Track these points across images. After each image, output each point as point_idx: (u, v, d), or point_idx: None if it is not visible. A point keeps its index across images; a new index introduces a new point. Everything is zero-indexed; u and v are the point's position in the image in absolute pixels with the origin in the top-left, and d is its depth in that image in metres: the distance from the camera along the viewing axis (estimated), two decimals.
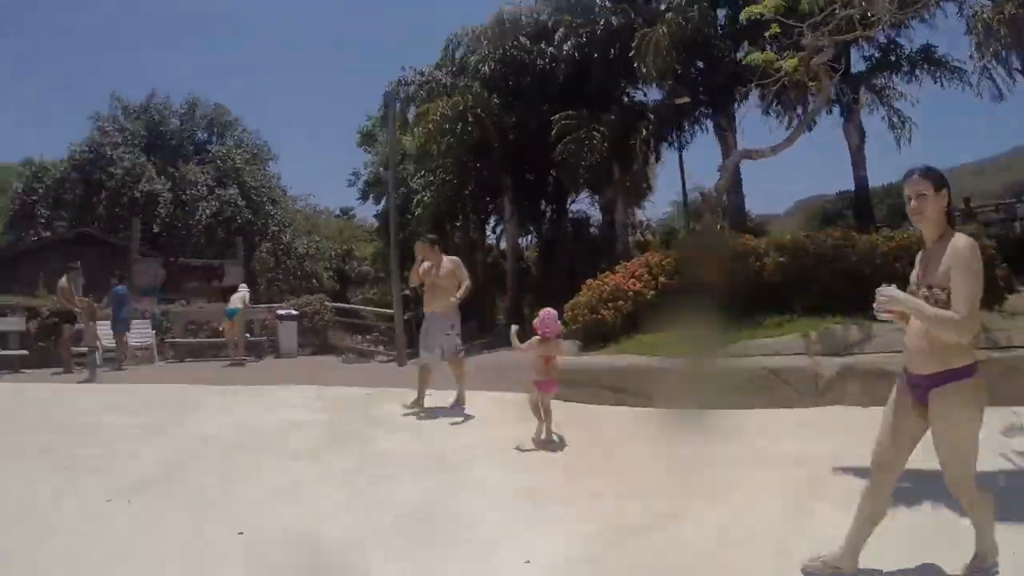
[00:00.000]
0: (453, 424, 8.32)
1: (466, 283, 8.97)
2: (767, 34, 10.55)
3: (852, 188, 22.54)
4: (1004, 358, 8.10)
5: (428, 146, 21.63)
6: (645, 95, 21.29)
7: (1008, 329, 8.73)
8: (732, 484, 5.49)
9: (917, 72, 19.50)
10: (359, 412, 8.99)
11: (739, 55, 18.18)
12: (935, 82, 19.33)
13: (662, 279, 11.01)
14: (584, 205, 26.95)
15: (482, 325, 24.87)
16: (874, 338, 9.08)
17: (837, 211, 36.63)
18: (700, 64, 19.28)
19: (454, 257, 9.14)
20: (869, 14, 9.95)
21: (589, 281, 11.76)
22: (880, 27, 10.51)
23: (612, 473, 6.05)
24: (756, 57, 10.61)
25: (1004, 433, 7.10)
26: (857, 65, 20.32)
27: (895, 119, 19.85)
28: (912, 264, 9.65)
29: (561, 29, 20.70)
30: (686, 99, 18.26)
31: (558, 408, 7.92)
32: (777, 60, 10.41)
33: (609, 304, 10.95)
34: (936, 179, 3.37)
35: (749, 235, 11.84)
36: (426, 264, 8.94)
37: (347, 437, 7.58)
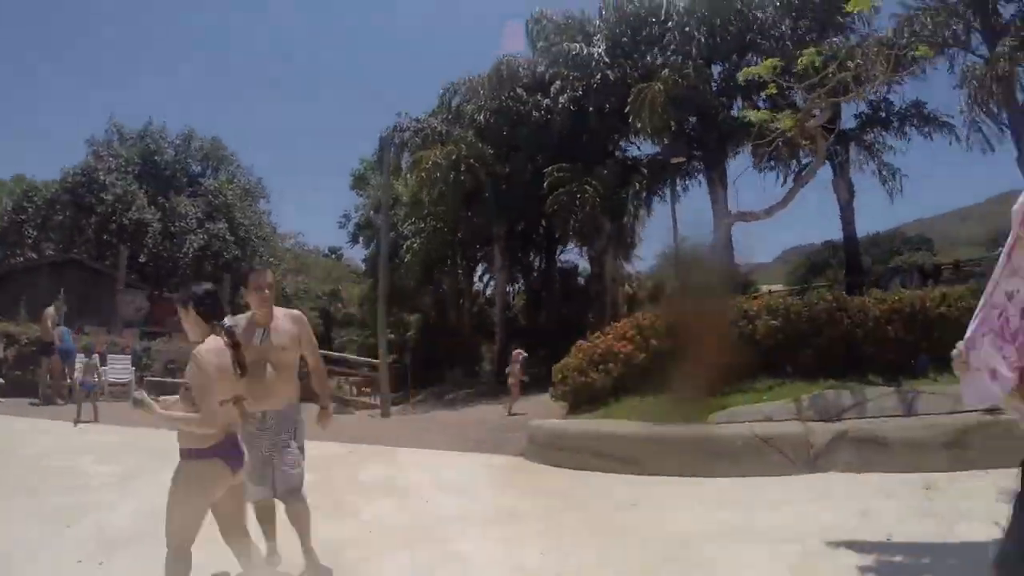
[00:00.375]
0: (438, 490, 8.06)
1: (315, 359, 5.18)
2: (764, 94, 10.69)
3: (838, 238, 22.82)
4: (999, 421, 7.98)
5: (421, 194, 21.62)
6: (639, 148, 21.53)
7: None
8: (725, 562, 5.28)
9: (907, 128, 20.10)
10: (342, 473, 8.67)
11: (733, 111, 18.38)
12: (924, 137, 19.85)
13: (653, 342, 10.85)
14: (573, 255, 27.05)
15: (468, 373, 24.63)
16: (868, 402, 8.99)
17: (824, 260, 36.89)
18: (693, 119, 19.43)
19: (296, 312, 5.10)
20: (862, 76, 10.09)
21: (580, 343, 11.65)
22: (874, 87, 10.60)
23: (600, 548, 5.82)
24: (752, 116, 10.68)
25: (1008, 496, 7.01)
26: (848, 122, 20.76)
27: (885, 172, 20.46)
28: (904, 327, 9.65)
29: (557, 82, 20.92)
30: (682, 159, 18.40)
31: (544, 474, 8.30)
32: (772, 119, 10.50)
33: (599, 367, 10.79)
34: (182, 300, 3.81)
35: (742, 297, 11.77)
36: (240, 322, 4.70)
37: (330, 503, 7.29)
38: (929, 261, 30.11)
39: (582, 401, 10.89)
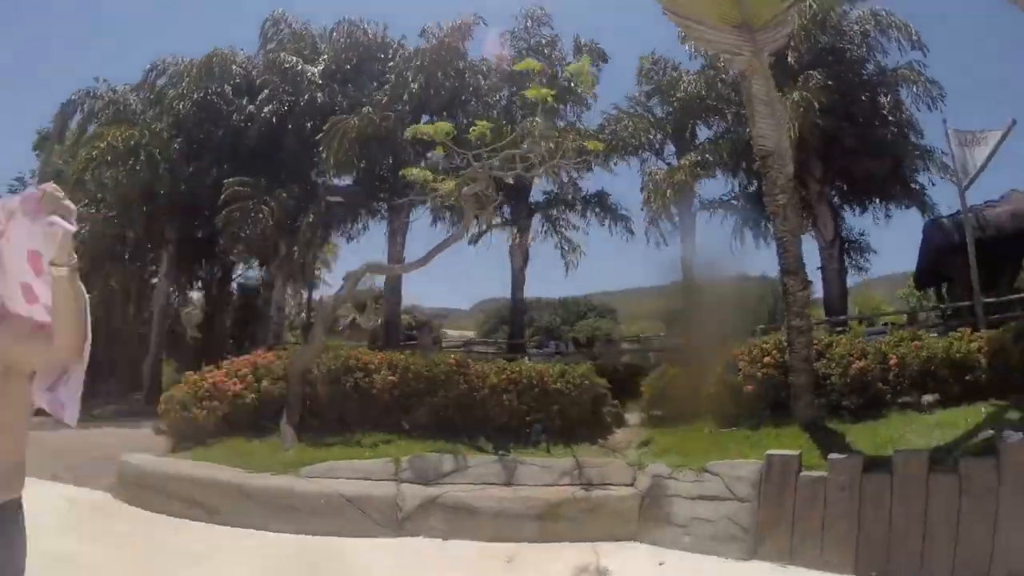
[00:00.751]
0: None
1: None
2: (429, 155, 10.77)
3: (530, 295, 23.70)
4: (590, 496, 8.41)
5: (85, 174, 19.16)
6: (330, 179, 20.67)
7: (604, 466, 9.15)
8: None
9: (588, 212, 21.72)
10: None
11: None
12: (602, 224, 21.65)
13: (265, 383, 10.32)
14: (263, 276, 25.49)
15: (135, 387, 21.92)
16: (469, 468, 9.04)
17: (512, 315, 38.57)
18: (389, 161, 19.18)
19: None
20: (533, 158, 10.50)
21: (189, 374, 11.04)
22: (539, 173, 11.07)
23: None
24: (415, 174, 10.67)
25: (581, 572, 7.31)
26: (536, 195, 22.03)
27: (566, 247, 21.85)
28: (519, 397, 9.93)
29: (266, 91, 19.72)
30: (339, 199, 18.16)
31: (121, 515, 8.10)
32: (435, 180, 10.56)
33: (203, 403, 10.05)
34: None
35: (365, 349, 11.65)
36: None
37: None
38: (587, 333, 32.62)
39: (187, 437, 10.05)
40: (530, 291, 23.36)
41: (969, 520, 6.40)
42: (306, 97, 19.59)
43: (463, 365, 10.48)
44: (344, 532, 7.96)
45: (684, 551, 7.62)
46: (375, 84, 20.34)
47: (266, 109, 19.48)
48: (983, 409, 8.26)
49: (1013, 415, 7.96)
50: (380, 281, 21.79)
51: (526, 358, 17.08)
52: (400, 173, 12.54)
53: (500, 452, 9.52)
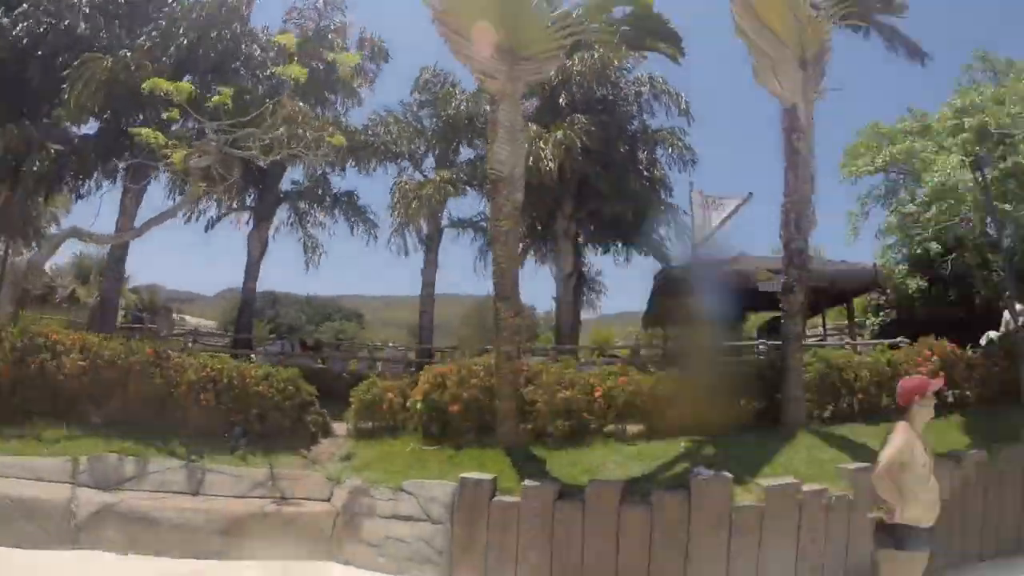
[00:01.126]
0: None
1: None
2: (165, 116, 10.05)
3: (280, 289, 22.47)
4: (282, 511, 8.08)
5: None
6: (68, 123, 18.03)
7: (301, 478, 8.83)
8: None
9: (336, 211, 21.53)
10: None
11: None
12: (348, 224, 21.57)
13: None
14: None
15: None
16: (151, 475, 8.40)
17: (260, 307, 36.81)
18: (140, 118, 17.06)
19: None
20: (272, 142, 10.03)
21: None
22: (274, 157, 10.62)
23: None
24: (145, 133, 9.77)
25: None
26: (287, 185, 21.57)
27: (309, 243, 21.72)
28: (218, 397, 9.13)
29: (25, 4, 16.53)
30: (59, 146, 16.02)
31: None
32: (167, 145, 9.76)
33: None
34: None
35: (58, 327, 10.50)
36: None
37: None
38: (320, 336, 32.46)
39: None
40: (281, 285, 22.33)
41: (661, 552, 6.93)
42: (67, 23, 16.77)
43: (162, 356, 9.70)
44: (11, 542, 7.16)
45: (378, 572, 7.58)
46: (146, 29, 18.21)
47: (20, 26, 16.34)
48: (682, 444, 8.93)
49: (709, 451, 8.70)
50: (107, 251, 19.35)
51: (252, 356, 16.20)
52: (129, 131, 11.37)
53: (192, 457, 8.89)
